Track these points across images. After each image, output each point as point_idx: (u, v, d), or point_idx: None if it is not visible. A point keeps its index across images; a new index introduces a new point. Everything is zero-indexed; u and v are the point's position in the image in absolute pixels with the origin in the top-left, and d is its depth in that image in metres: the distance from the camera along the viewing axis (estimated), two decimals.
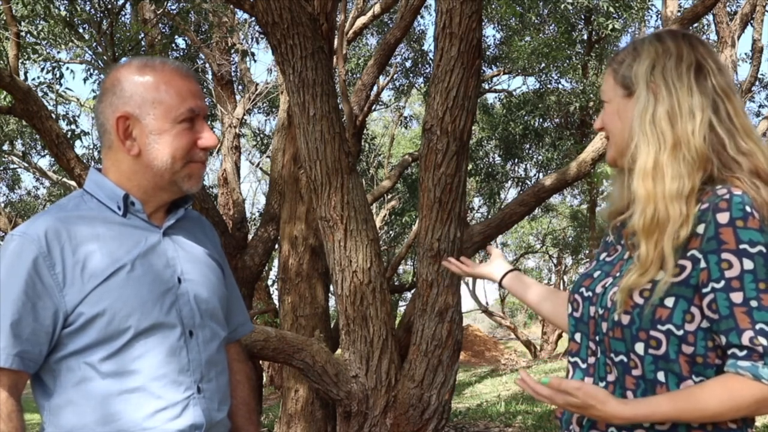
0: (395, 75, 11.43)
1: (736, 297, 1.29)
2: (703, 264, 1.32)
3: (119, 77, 1.48)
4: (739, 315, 1.29)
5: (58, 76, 7.87)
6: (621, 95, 1.45)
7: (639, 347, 1.36)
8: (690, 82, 1.38)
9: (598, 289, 1.45)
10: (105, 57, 6.51)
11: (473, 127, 5.16)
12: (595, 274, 1.50)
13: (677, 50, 1.42)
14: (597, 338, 1.43)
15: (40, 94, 6.65)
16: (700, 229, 1.32)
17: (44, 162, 16.78)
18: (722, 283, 1.30)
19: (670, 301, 1.34)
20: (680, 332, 1.34)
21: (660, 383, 1.36)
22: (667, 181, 1.34)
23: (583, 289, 1.49)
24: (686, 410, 1.31)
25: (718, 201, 1.31)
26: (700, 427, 1.34)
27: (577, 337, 1.50)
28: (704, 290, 1.32)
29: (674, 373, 1.35)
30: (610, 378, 1.41)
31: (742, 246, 1.29)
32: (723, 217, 1.30)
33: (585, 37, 11.33)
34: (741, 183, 1.34)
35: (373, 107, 9.33)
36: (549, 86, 11.41)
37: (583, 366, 1.47)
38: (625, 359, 1.38)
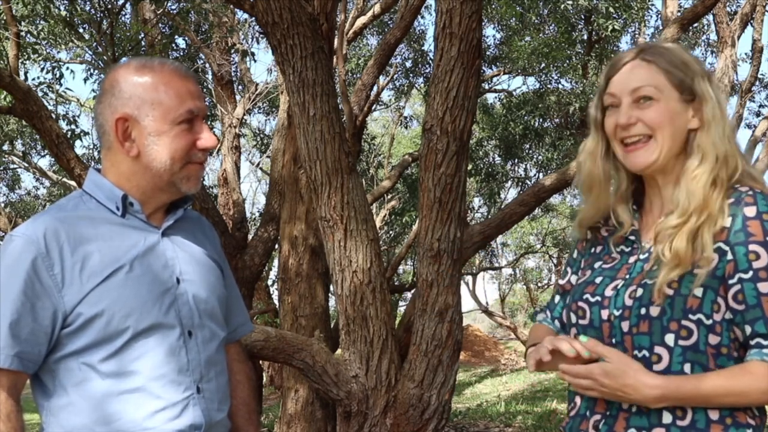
0: (395, 75, 11.42)
1: (764, 287, 1.34)
2: (729, 256, 1.36)
3: (118, 78, 1.48)
4: (766, 305, 1.34)
5: (58, 76, 7.87)
6: (677, 99, 1.44)
7: (669, 338, 1.37)
8: (724, 100, 1.47)
9: (608, 293, 1.46)
10: (105, 57, 6.51)
11: (473, 127, 5.16)
12: (597, 280, 1.51)
13: (710, 72, 1.48)
14: (613, 340, 1.43)
15: (40, 94, 6.65)
16: (728, 222, 1.38)
17: (44, 162, 16.77)
18: (750, 273, 1.34)
19: (699, 291, 1.37)
20: (709, 321, 1.37)
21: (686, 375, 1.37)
22: (719, 186, 1.40)
23: (587, 296, 1.49)
24: (718, 387, 1.33)
25: (744, 196, 1.38)
26: (720, 421, 1.36)
27: None
28: (730, 281, 1.36)
29: (701, 365, 1.37)
30: None
31: None
32: (750, 211, 1.36)
33: (585, 37, 11.31)
34: (757, 185, 1.41)
35: (373, 107, 9.32)
36: (549, 86, 11.39)
37: None
38: (648, 354, 1.39)
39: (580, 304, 1.50)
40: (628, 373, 1.34)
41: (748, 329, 1.35)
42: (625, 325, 1.41)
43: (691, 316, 1.37)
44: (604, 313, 1.45)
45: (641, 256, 1.48)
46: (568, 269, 1.67)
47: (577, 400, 1.53)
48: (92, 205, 1.50)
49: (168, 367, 1.44)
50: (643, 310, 1.39)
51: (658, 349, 1.38)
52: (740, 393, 1.34)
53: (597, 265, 1.55)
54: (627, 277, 1.46)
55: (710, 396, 1.34)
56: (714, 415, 1.36)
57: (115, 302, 1.41)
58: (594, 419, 1.46)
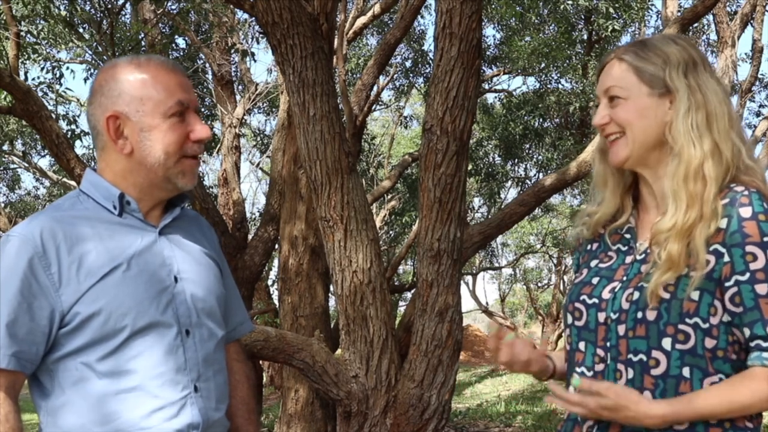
0: (395, 75, 11.42)
1: (761, 288, 1.32)
2: (726, 258, 1.35)
3: (106, 77, 1.48)
4: (764, 306, 1.32)
5: (58, 76, 7.88)
6: (647, 93, 1.43)
7: (666, 342, 1.36)
8: (716, 89, 1.43)
9: (606, 295, 1.44)
10: (105, 57, 6.52)
11: (473, 127, 5.16)
12: (594, 281, 1.49)
13: (700, 56, 1.45)
14: (608, 344, 1.42)
15: (40, 94, 6.65)
16: (723, 223, 1.35)
17: (44, 162, 16.77)
18: (747, 275, 1.33)
19: (696, 295, 1.35)
20: (706, 325, 1.35)
21: (684, 379, 1.36)
22: (709, 183, 1.37)
23: (584, 297, 1.48)
24: (719, 406, 1.32)
25: (739, 196, 1.35)
26: (718, 425, 1.35)
27: (581, 345, 1.48)
28: (727, 284, 1.35)
29: (699, 368, 1.36)
30: (620, 383, 1.40)
31: (766, 239, 1.32)
32: (746, 212, 1.34)
33: (585, 37, 11.31)
34: (754, 182, 1.39)
35: (373, 107, 9.32)
36: (549, 86, 11.38)
37: (590, 374, 1.46)
38: (645, 358, 1.38)
39: (577, 305, 1.48)
40: (628, 407, 1.33)
41: (747, 332, 1.34)
42: (621, 329, 1.40)
43: (687, 320, 1.35)
44: (601, 316, 1.43)
45: (638, 257, 1.46)
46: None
47: None
48: (89, 204, 1.49)
49: (165, 366, 1.44)
50: (639, 314, 1.38)
51: (655, 354, 1.37)
52: (743, 407, 1.33)
53: (593, 263, 1.54)
54: (624, 279, 1.44)
55: (714, 416, 1.34)
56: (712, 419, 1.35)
57: (112, 301, 1.40)
58: (587, 425, 1.45)
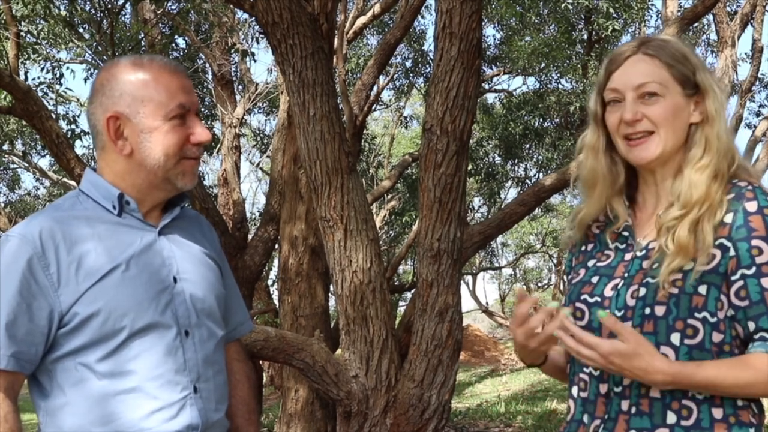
0: (395, 75, 11.42)
1: (767, 282, 1.32)
2: (732, 252, 1.35)
3: (108, 77, 1.48)
4: None
5: (58, 76, 7.88)
6: (680, 93, 1.44)
7: (675, 337, 1.36)
8: (726, 96, 1.47)
9: (608, 293, 1.44)
10: (105, 57, 6.52)
11: (473, 127, 5.16)
12: (593, 280, 1.48)
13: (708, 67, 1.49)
14: None
15: (40, 94, 6.65)
16: (728, 218, 1.37)
17: (44, 162, 16.75)
18: (753, 269, 1.33)
19: (703, 289, 1.36)
20: (714, 319, 1.36)
21: None
22: (718, 179, 1.40)
23: (585, 296, 1.47)
24: (725, 379, 1.32)
25: (744, 191, 1.37)
26: (723, 419, 1.35)
27: None
28: (733, 278, 1.35)
29: None
30: (626, 381, 1.39)
31: None
32: (751, 206, 1.35)
33: (585, 37, 11.31)
34: (753, 179, 1.41)
35: (373, 107, 9.32)
36: (549, 86, 11.38)
37: (597, 373, 1.44)
38: None
39: (578, 305, 1.47)
40: (643, 357, 1.31)
41: (751, 325, 1.34)
42: (627, 326, 1.39)
43: (696, 315, 1.35)
44: None
45: (638, 253, 1.46)
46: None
47: (571, 403, 1.51)
48: (89, 204, 1.49)
49: (165, 367, 1.44)
50: (647, 310, 1.37)
51: (663, 349, 1.36)
52: (746, 384, 1.33)
53: (591, 263, 1.52)
54: (626, 275, 1.44)
55: (718, 387, 1.33)
56: (718, 414, 1.35)
57: (111, 302, 1.40)
58: (594, 425, 1.43)
